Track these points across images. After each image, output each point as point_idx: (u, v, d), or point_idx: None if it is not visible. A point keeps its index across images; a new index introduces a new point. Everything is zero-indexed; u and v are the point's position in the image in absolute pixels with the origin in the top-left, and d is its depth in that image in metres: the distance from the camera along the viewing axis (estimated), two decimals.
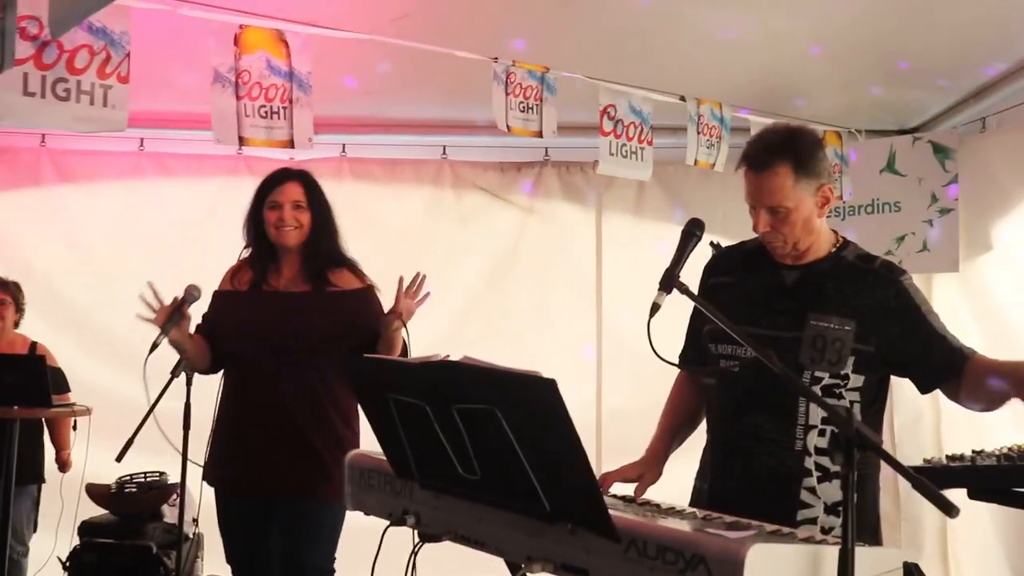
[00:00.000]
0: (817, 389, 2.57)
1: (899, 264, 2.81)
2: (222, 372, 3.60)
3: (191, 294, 3.43)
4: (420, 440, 2.26)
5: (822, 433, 2.58)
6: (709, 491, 2.79)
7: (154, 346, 3.33)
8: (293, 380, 3.41)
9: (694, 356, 2.90)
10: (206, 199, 5.35)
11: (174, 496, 4.55)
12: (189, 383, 3.56)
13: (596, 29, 4.24)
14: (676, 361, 2.82)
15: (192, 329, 3.49)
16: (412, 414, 2.21)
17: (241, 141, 3.60)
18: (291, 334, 3.41)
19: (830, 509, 2.58)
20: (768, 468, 2.59)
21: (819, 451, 2.59)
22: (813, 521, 2.56)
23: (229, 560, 3.60)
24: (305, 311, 3.47)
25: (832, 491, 2.59)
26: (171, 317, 3.34)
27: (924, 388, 2.75)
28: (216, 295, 3.59)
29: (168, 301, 3.37)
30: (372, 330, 3.45)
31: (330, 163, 5.41)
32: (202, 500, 4.42)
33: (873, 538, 2.67)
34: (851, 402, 2.62)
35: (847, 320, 2.56)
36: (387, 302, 3.48)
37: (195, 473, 3.58)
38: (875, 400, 2.70)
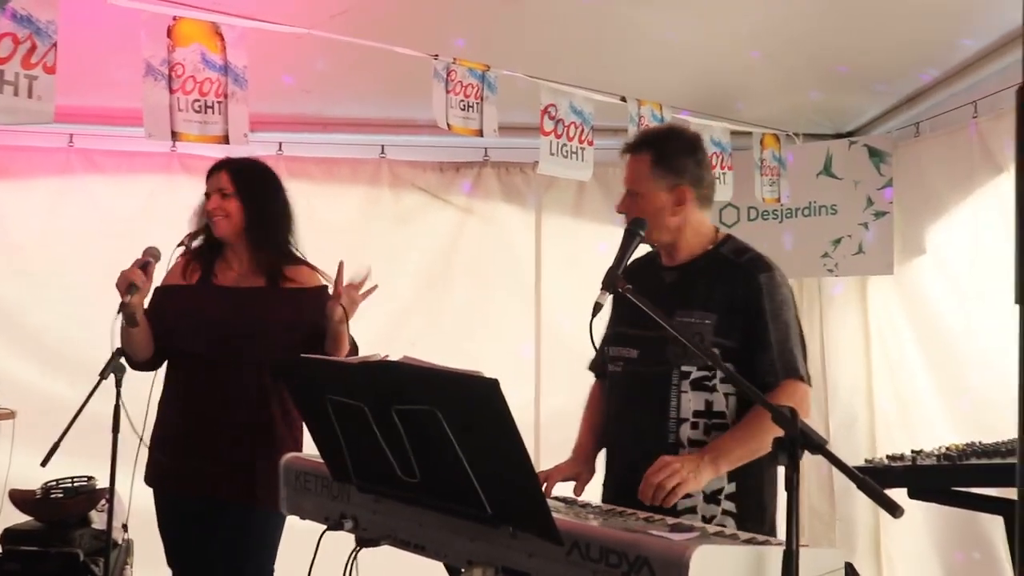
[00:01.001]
0: (687, 383, 2.63)
1: (835, 266, 2.86)
2: (164, 369, 3.50)
3: (152, 255, 3.36)
4: (358, 442, 2.22)
5: (695, 426, 2.64)
6: (605, 488, 2.85)
7: (122, 307, 3.23)
8: (240, 379, 3.34)
9: (600, 360, 3.00)
10: (139, 197, 5.22)
11: (103, 501, 4.42)
12: (119, 384, 3.46)
13: (538, 28, 4.22)
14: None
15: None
16: (350, 415, 2.17)
17: (174, 136, 3.49)
18: (242, 330, 3.35)
19: (709, 498, 2.61)
20: (646, 461, 2.57)
21: (692, 443, 2.63)
22: (693, 510, 2.60)
23: (170, 563, 3.51)
24: (258, 306, 3.39)
25: (710, 480, 2.59)
26: (135, 279, 3.24)
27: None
28: (160, 290, 3.48)
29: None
30: (320, 331, 3.37)
31: (266, 161, 5.29)
32: (132, 505, 4.33)
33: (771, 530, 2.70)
34: (726, 395, 2.65)
35: (708, 314, 2.63)
36: None
37: (124, 478, 3.49)
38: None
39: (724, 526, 2.48)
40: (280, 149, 5.30)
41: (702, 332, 2.59)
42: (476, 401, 1.86)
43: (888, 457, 2.96)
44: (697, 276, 2.72)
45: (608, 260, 2.55)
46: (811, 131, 5.64)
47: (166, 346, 3.45)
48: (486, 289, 5.68)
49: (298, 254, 3.57)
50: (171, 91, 3.46)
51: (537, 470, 2.22)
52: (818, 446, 1.84)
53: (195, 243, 3.53)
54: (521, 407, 5.38)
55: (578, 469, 2.82)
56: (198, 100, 3.51)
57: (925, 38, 4.34)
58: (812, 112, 5.44)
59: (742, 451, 2.54)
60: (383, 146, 5.47)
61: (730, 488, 2.61)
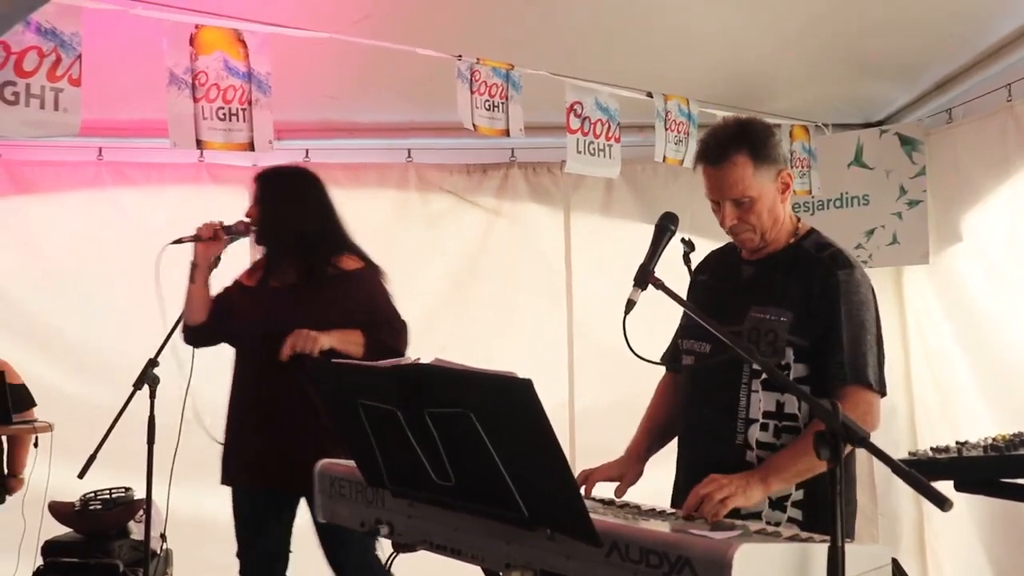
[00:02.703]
0: (758, 383, 2.54)
1: (868, 258, 2.79)
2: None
3: (238, 227, 3.66)
4: (391, 447, 2.19)
5: (764, 427, 2.54)
6: (674, 488, 2.77)
7: (178, 241, 3.61)
8: (280, 377, 3.42)
9: (672, 354, 2.88)
10: (168, 208, 5.23)
11: (141, 512, 4.43)
12: (152, 395, 3.51)
13: (561, 24, 4.19)
14: (654, 359, 2.77)
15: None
16: (383, 420, 2.14)
17: (199, 144, 3.49)
18: (275, 329, 3.45)
19: (775, 504, 2.51)
20: (711, 461, 2.53)
21: (760, 445, 2.53)
22: (757, 516, 2.47)
23: (240, 554, 3.69)
24: (287, 304, 3.54)
25: None
26: (208, 231, 3.60)
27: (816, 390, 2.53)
28: (230, 286, 3.76)
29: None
30: (365, 313, 3.54)
31: None
32: (169, 514, 4.34)
33: (848, 533, 2.61)
34: None
35: (784, 311, 2.52)
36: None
37: (161, 487, 3.51)
38: (821, 392, 2.62)
39: None
40: (307, 156, 5.29)
41: (776, 330, 2.49)
42: (510, 402, 1.83)
43: (932, 449, 2.89)
44: (775, 271, 2.62)
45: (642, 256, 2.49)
46: (840, 121, 5.57)
47: (230, 344, 3.71)
48: (516, 290, 5.66)
49: (337, 239, 3.69)
50: (195, 99, 3.47)
51: (573, 470, 2.16)
52: (861, 439, 1.79)
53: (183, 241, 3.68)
54: (555, 407, 5.36)
55: (623, 470, 2.72)
56: (222, 108, 3.51)
57: (951, 22, 4.27)
58: (841, 102, 5.38)
59: (797, 467, 2.41)
60: (409, 150, 5.46)
61: (797, 495, 2.49)
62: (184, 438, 3.72)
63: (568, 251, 5.75)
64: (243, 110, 3.53)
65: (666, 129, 4.69)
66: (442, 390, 1.98)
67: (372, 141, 5.39)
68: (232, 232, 3.65)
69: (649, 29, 4.26)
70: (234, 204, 5.19)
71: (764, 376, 2.52)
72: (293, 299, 3.55)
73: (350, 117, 5.21)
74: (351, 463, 2.47)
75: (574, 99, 4.36)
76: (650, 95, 4.63)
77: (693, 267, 2.80)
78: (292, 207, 3.64)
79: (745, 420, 2.55)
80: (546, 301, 5.69)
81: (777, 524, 2.44)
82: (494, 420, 1.89)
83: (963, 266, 5.12)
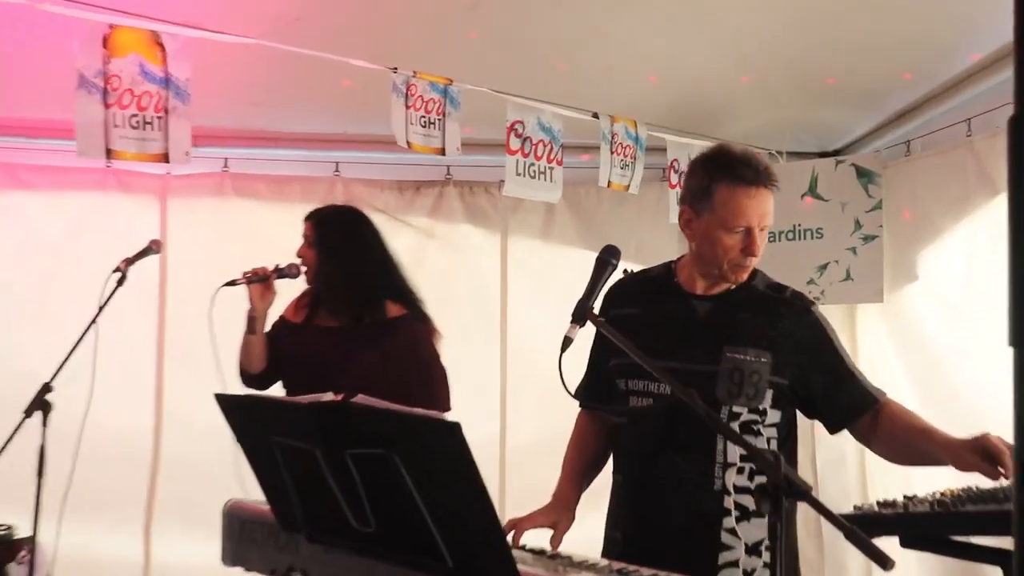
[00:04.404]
0: (735, 425, 2.64)
1: (821, 294, 2.90)
2: None
3: (291, 270, 3.80)
4: (308, 488, 2.20)
5: (740, 471, 2.64)
6: (624, 538, 2.79)
7: (232, 283, 3.71)
8: None
9: (596, 391, 2.94)
10: (70, 216, 5.18)
11: (23, 553, 4.35)
12: (45, 423, 3.45)
13: (503, 38, 4.24)
14: (597, 403, 2.85)
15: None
16: (299, 460, 2.15)
17: (109, 155, 3.47)
18: (316, 369, 3.61)
19: (751, 550, 2.61)
20: (686, 509, 2.63)
21: (738, 490, 2.64)
22: (735, 564, 2.60)
23: None
24: (330, 346, 3.70)
25: (752, 531, 2.63)
26: (257, 276, 3.74)
27: (832, 427, 2.83)
28: (277, 322, 3.93)
29: None
30: (407, 362, 3.69)
31: (210, 179, 5.31)
32: (58, 554, 4.27)
33: None
34: (768, 439, 2.67)
35: (762, 352, 2.63)
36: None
37: (50, 525, 3.45)
38: (788, 437, 2.78)
39: None
40: (226, 166, 5.29)
41: (760, 371, 2.61)
42: (437, 445, 1.85)
43: (879, 503, 2.97)
44: (738, 309, 2.72)
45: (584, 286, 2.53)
46: (795, 149, 5.69)
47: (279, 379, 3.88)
48: (448, 318, 5.60)
49: (395, 287, 3.87)
50: (106, 105, 3.45)
51: (502, 513, 2.19)
52: (802, 493, 1.85)
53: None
54: (485, 445, 5.35)
55: (555, 517, 2.75)
56: (136, 115, 3.49)
57: (912, 51, 4.39)
58: (797, 128, 5.50)
59: None
60: (337, 163, 5.47)
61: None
62: (79, 470, 3.68)
63: (504, 277, 5.79)
64: (159, 119, 3.52)
65: (612, 152, 4.76)
66: (365, 430, 1.99)
67: (297, 152, 5.39)
68: (284, 275, 3.80)
69: (596, 46, 4.32)
70: (144, 215, 5.21)
71: (742, 419, 2.64)
72: (338, 341, 3.70)
73: (274, 126, 5.21)
74: (262, 503, 2.47)
75: (515, 118, 4.41)
76: (596, 116, 4.70)
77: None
78: (349, 252, 3.80)
79: (723, 464, 2.64)
80: (479, 330, 5.72)
81: (753, 571, 2.58)
82: (419, 463, 1.91)
83: (918, 305, 5.24)
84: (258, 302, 3.75)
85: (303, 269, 3.81)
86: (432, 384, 3.80)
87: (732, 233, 2.65)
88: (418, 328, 3.83)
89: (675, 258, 2.93)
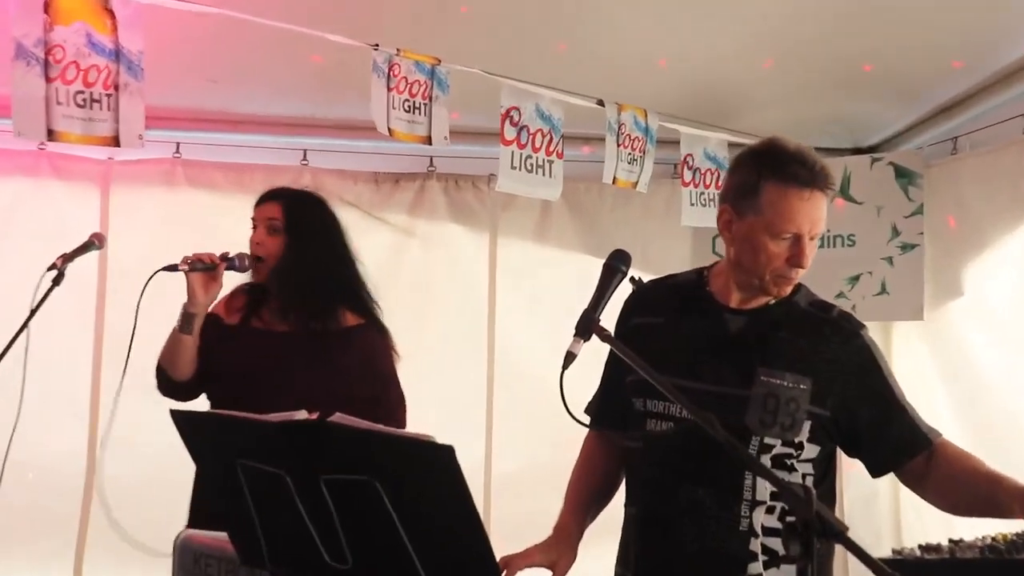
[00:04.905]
0: (766, 459, 2.63)
1: (851, 309, 2.91)
2: None
3: (242, 262, 3.66)
4: (276, 518, 2.23)
5: (770, 511, 2.64)
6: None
7: (171, 268, 3.55)
8: None
9: (609, 412, 2.94)
10: None
11: None
12: None
13: (497, 14, 4.26)
14: (584, 415, 2.84)
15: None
16: (266, 485, 2.18)
17: (51, 136, 3.46)
18: (257, 381, 3.51)
19: None
20: (707, 551, 2.64)
21: (767, 531, 2.64)
22: None
23: None
24: (276, 354, 3.62)
25: None
26: (203, 263, 3.57)
27: (876, 469, 2.81)
28: (206, 322, 3.71)
29: None
30: (360, 375, 3.62)
31: (159, 166, 5.31)
32: None
33: None
34: (803, 475, 2.69)
35: (802, 377, 2.62)
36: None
37: None
38: (826, 476, 2.78)
39: None
40: (177, 151, 5.31)
41: (797, 399, 2.61)
42: (426, 471, 1.88)
43: (921, 547, 2.99)
44: (775, 328, 2.72)
45: (584, 297, 2.56)
46: (825, 145, 5.70)
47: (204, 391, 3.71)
48: (428, 328, 5.69)
49: (353, 289, 3.81)
50: (48, 79, 3.43)
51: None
52: (837, 533, 1.88)
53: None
54: (468, 471, 5.32)
55: (554, 555, 2.75)
56: (82, 92, 3.48)
57: (967, 33, 4.40)
58: (827, 122, 5.53)
59: None
60: (305, 151, 5.49)
61: None
62: (2, 496, 3.68)
63: (493, 284, 5.81)
64: (108, 96, 3.51)
65: (618, 145, 4.78)
66: (343, 452, 2.02)
67: (260, 137, 5.41)
68: (233, 267, 3.66)
69: (601, 25, 4.34)
70: (81, 204, 5.21)
71: (775, 452, 2.64)
72: (284, 350, 3.63)
73: (234, 107, 5.22)
74: (221, 535, 2.49)
75: (511, 104, 4.42)
76: (601, 103, 4.72)
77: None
78: (323, 244, 3.76)
79: (751, 503, 2.65)
80: (464, 342, 5.75)
81: None
82: (405, 491, 1.94)
83: (963, 325, 5.27)
84: (201, 295, 3.59)
85: (255, 261, 3.69)
86: (388, 405, 3.75)
87: (778, 239, 2.65)
88: (376, 341, 3.79)
89: (702, 264, 2.94)
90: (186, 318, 3.59)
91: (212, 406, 3.64)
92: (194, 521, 3.52)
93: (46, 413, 4.48)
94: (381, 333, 3.81)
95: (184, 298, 3.63)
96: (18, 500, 3.83)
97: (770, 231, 2.64)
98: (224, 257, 3.63)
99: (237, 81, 4.91)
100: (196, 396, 3.74)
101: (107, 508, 5.15)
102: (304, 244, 3.70)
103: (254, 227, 3.75)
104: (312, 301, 3.67)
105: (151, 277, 3.49)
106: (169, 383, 3.70)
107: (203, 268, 3.58)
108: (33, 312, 3.59)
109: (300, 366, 3.59)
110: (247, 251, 3.72)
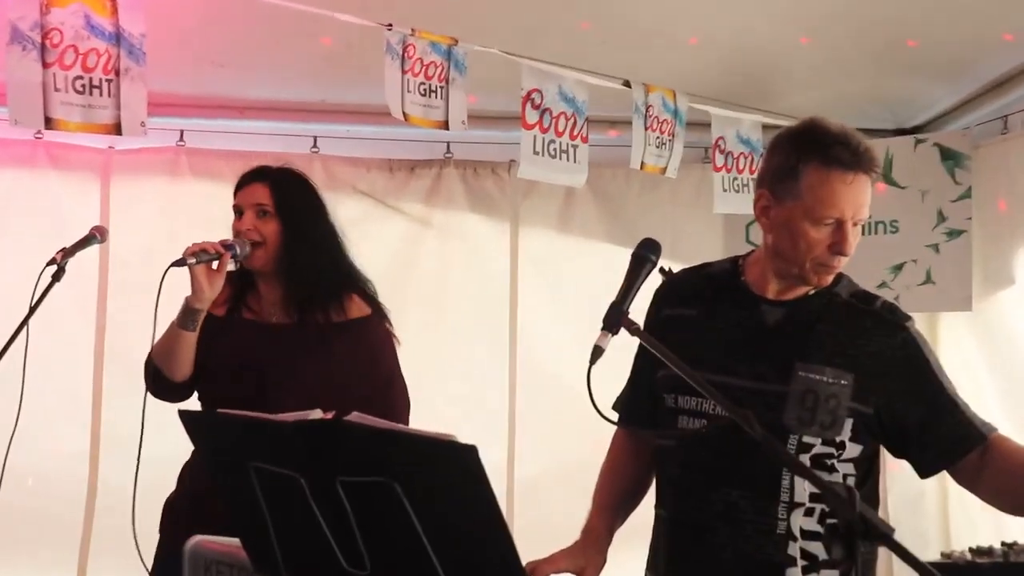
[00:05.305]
0: (805, 459, 2.63)
1: (895, 300, 2.89)
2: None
3: (242, 248, 3.49)
4: (290, 523, 2.24)
5: (809, 513, 2.64)
6: None
7: (180, 262, 3.38)
8: None
9: (639, 409, 2.95)
10: None
11: None
12: None
13: None
14: (612, 413, 2.85)
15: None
16: (280, 489, 2.19)
17: (48, 124, 3.48)
18: (253, 382, 3.46)
19: None
20: (742, 556, 2.64)
21: (806, 535, 2.63)
22: None
23: None
24: (270, 348, 3.53)
25: None
26: (208, 254, 3.41)
27: (925, 469, 2.80)
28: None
29: None
30: (365, 370, 3.55)
31: (162, 155, 5.35)
32: None
33: None
34: (845, 476, 2.69)
35: (843, 373, 2.60)
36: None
37: None
38: (868, 476, 2.77)
39: None
40: (181, 139, 5.34)
41: (838, 395, 2.57)
42: (448, 473, 1.89)
43: (972, 551, 2.99)
44: (814, 321, 2.72)
45: (611, 289, 2.57)
46: (866, 126, 5.67)
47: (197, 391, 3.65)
48: (447, 323, 5.72)
49: (355, 276, 3.74)
50: (45, 64, 3.46)
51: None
52: (882, 535, 1.88)
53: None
54: (490, 473, 5.36)
55: (582, 560, 2.77)
56: (81, 77, 3.51)
57: (1018, 5, 4.38)
58: (868, 101, 5.52)
59: None
60: (315, 138, 5.52)
61: None
62: (2, 501, 3.71)
63: (514, 276, 5.85)
64: (108, 82, 3.54)
65: (646, 128, 4.79)
66: (360, 454, 2.03)
67: (268, 124, 5.44)
68: (235, 256, 3.50)
69: (629, 2, 4.34)
70: (81, 196, 5.25)
71: (814, 452, 2.64)
72: (284, 342, 3.55)
73: (240, 92, 5.24)
74: (233, 541, 2.51)
75: (532, 86, 4.43)
76: (627, 84, 4.73)
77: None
78: (320, 228, 3.67)
79: (788, 505, 2.64)
80: (484, 338, 5.78)
81: None
82: (426, 494, 1.95)
83: (1013, 315, 5.26)
84: (207, 288, 3.45)
85: (254, 248, 3.56)
86: (391, 402, 3.66)
87: (820, 225, 2.65)
88: (383, 335, 3.72)
89: (735, 253, 2.94)
90: (189, 313, 3.48)
91: (204, 406, 3.60)
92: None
93: (47, 413, 4.51)
94: (386, 324, 3.74)
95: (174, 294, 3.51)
96: (20, 505, 3.85)
97: (811, 217, 2.64)
98: (226, 245, 3.49)
99: (244, 65, 4.92)
100: (188, 396, 3.68)
101: (111, 513, 5.20)
102: (301, 228, 3.60)
103: (239, 213, 3.63)
104: (321, 290, 3.60)
105: (163, 277, 3.35)
106: (164, 383, 3.60)
107: (208, 259, 3.45)
108: (33, 309, 3.61)
109: (302, 361, 3.52)
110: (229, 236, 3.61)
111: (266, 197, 3.60)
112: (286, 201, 3.61)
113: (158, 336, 3.45)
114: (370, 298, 3.72)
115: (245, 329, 3.62)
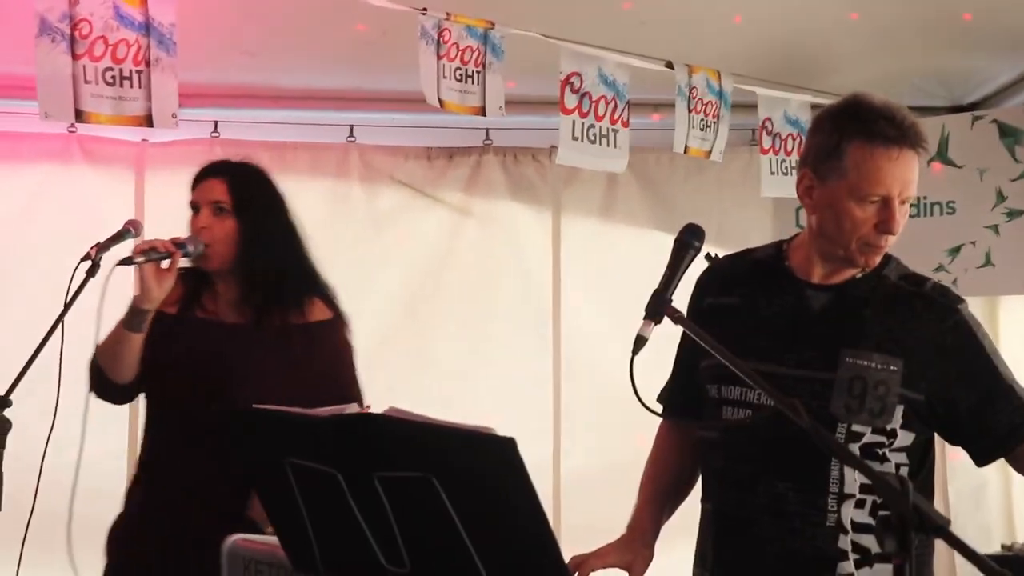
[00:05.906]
0: (855, 448, 2.62)
1: (952, 283, 2.87)
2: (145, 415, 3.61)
3: (195, 247, 3.41)
4: (328, 519, 2.25)
5: (860, 504, 2.63)
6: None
7: (127, 261, 3.28)
8: (213, 440, 3.28)
9: (683, 399, 2.95)
10: (25, 190, 5.28)
11: None
12: (2, 446, 3.50)
13: None
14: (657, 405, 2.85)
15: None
16: (318, 485, 2.20)
17: (79, 116, 3.51)
18: (203, 382, 3.41)
19: None
20: (791, 550, 2.64)
21: (857, 527, 2.63)
22: None
23: None
24: (226, 349, 3.48)
25: None
26: (158, 252, 3.32)
27: (981, 457, 2.79)
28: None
29: None
30: (323, 374, 3.47)
31: (197, 147, 5.35)
32: None
33: None
34: (897, 466, 2.67)
35: (892, 359, 2.60)
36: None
37: (7, 569, 3.52)
38: (922, 466, 2.76)
39: None
40: (216, 130, 5.37)
41: (887, 382, 2.58)
42: (486, 466, 1.90)
43: None
44: (863, 305, 2.71)
45: (654, 277, 2.56)
46: (920, 103, 5.65)
47: (144, 391, 3.58)
48: (488, 315, 5.73)
49: (316, 278, 3.66)
50: (74, 56, 3.48)
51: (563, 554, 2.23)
52: (937, 527, 1.87)
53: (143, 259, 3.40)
54: (534, 471, 5.36)
55: (630, 555, 2.78)
56: (111, 69, 3.52)
57: None
58: (921, 78, 5.49)
59: None
60: (352, 127, 5.54)
61: None
62: (41, 504, 3.74)
63: (556, 264, 5.84)
64: (139, 73, 3.55)
65: (690, 111, 4.77)
66: (398, 448, 2.04)
67: (303, 113, 5.46)
68: (187, 254, 3.42)
69: None
70: (116, 191, 5.29)
71: (864, 441, 2.63)
72: (239, 342, 3.50)
73: (274, 81, 5.26)
74: (272, 539, 2.53)
75: (571, 69, 4.43)
76: (670, 66, 4.72)
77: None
78: (281, 226, 3.60)
79: (838, 496, 2.63)
80: (526, 330, 5.78)
81: None
82: (465, 488, 1.96)
83: None
84: (155, 288, 3.35)
85: (206, 248, 3.47)
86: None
87: (865, 204, 2.62)
88: (344, 340, 3.64)
89: (785, 238, 2.93)
90: (136, 314, 3.38)
91: (152, 407, 3.56)
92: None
93: (82, 414, 4.54)
94: (347, 326, 3.65)
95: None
96: (58, 510, 3.88)
97: (856, 195, 2.62)
98: (177, 243, 3.39)
99: (276, 54, 4.94)
100: (134, 398, 3.63)
101: None
102: (259, 227, 3.52)
103: (195, 209, 3.53)
104: (279, 292, 3.53)
105: (108, 274, 3.23)
106: (107, 385, 3.53)
107: (159, 257, 3.36)
108: (68, 306, 3.63)
109: (258, 362, 3.46)
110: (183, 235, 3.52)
111: (223, 194, 3.51)
112: (244, 198, 3.52)
113: (102, 336, 3.39)
114: (331, 302, 3.64)
115: (199, 328, 3.54)
